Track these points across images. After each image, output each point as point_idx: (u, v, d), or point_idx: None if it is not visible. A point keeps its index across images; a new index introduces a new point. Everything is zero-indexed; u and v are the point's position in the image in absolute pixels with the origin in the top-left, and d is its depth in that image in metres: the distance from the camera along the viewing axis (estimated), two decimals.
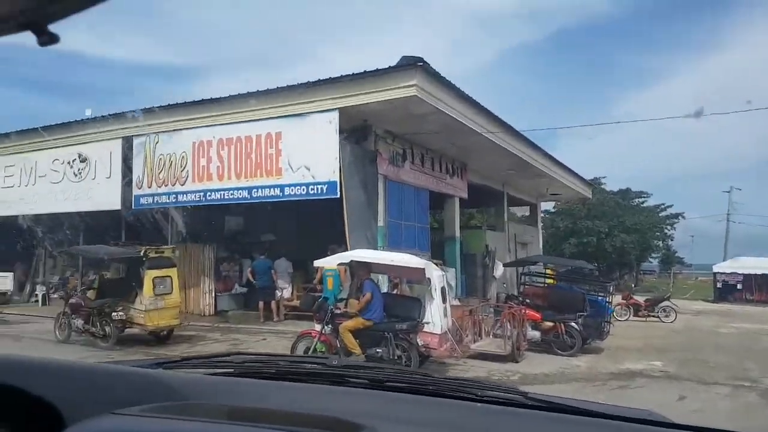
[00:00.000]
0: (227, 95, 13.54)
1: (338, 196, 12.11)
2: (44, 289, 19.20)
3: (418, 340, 7.96)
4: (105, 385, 1.09)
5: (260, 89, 13.13)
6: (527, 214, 26.03)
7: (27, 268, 20.16)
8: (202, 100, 13.99)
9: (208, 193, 14.01)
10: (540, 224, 26.48)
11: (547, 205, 31.99)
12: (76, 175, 16.03)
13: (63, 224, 17.99)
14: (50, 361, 1.16)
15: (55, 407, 0.94)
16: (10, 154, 17.07)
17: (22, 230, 17.31)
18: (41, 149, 16.61)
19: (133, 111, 14.93)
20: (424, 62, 11.62)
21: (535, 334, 11.07)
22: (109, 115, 15.32)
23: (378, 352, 7.77)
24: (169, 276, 11.53)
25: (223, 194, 13.70)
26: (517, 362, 9.91)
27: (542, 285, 13.03)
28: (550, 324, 11.16)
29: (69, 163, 16.11)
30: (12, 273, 15.34)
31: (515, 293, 13.45)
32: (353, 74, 12.06)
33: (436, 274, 8.25)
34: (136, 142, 15.07)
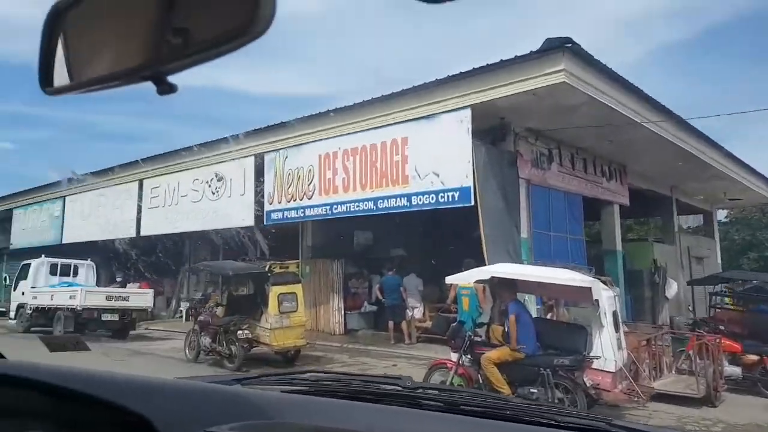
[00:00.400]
0: (352, 103, 12.80)
1: (472, 203, 10.65)
2: (188, 304, 19.97)
3: (585, 379, 6.17)
4: (189, 402, 1.11)
5: (384, 93, 12.20)
6: (697, 224, 22.33)
7: (173, 284, 21.22)
8: (328, 111, 13.41)
9: (334, 206, 13.31)
10: (717, 235, 22.48)
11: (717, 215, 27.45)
12: (213, 194, 16.32)
13: (203, 241, 18.59)
14: (137, 377, 1.20)
15: (149, 422, 0.94)
16: (156, 176, 17.96)
17: (166, 248, 18.09)
18: (183, 170, 17.23)
19: (263, 127, 14.86)
20: (573, 43, 9.83)
21: (735, 371, 8.69)
22: (243, 133, 15.38)
23: (532, 393, 6.11)
24: (294, 292, 10.83)
25: (349, 206, 12.89)
26: (714, 406, 7.81)
27: (738, 308, 10.33)
28: (753, 357, 8.73)
29: (207, 182, 16.46)
30: (152, 290, 15.86)
31: (699, 317, 10.88)
32: (487, 65, 10.62)
33: (605, 295, 6.42)
34: (267, 158, 14.94)
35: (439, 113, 11.29)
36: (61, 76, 0.71)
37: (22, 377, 1.01)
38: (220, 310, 11.43)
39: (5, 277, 20.34)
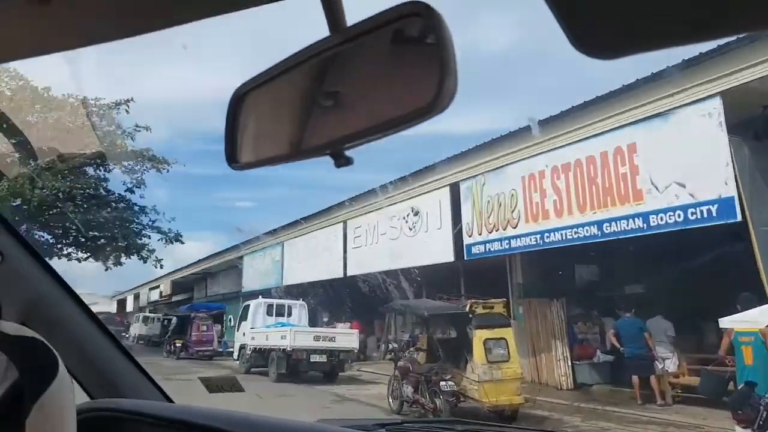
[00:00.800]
0: (557, 112, 10.97)
1: (739, 218, 7.94)
2: (396, 345, 19.40)
3: None
4: None
5: (599, 94, 10.16)
6: None
7: (383, 324, 20.96)
8: (528, 126, 11.75)
9: (546, 235, 11.43)
10: None
11: None
12: (410, 229, 15.63)
13: (407, 279, 17.96)
14: (276, 420, 1.29)
15: None
16: (358, 216, 18.01)
17: (372, 287, 17.87)
18: (381, 208, 16.97)
19: (458, 154, 13.76)
20: None
21: None
22: (437, 162, 14.49)
23: None
24: (504, 338, 9.18)
25: (565, 234, 10.90)
26: None
27: None
28: None
29: (404, 218, 15.87)
30: (357, 330, 15.50)
31: None
32: (738, 39, 7.99)
33: None
34: (463, 187, 13.76)
35: (677, 107, 8.90)
36: (245, 153, 0.75)
37: (180, 419, 1.14)
38: (420, 356, 10.29)
39: (229, 318, 22.31)
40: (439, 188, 14.47)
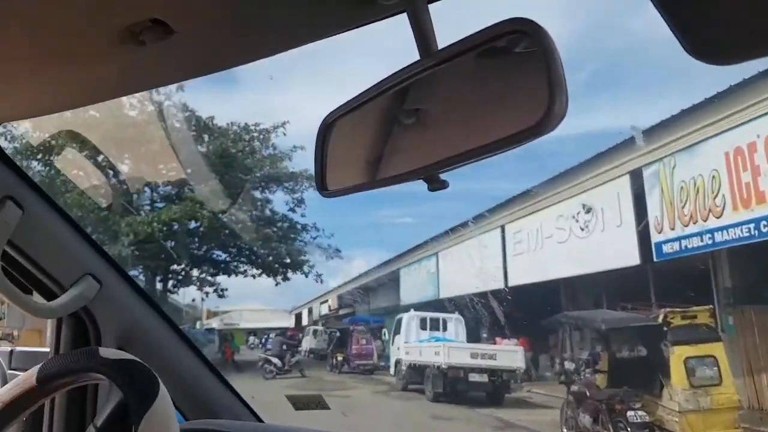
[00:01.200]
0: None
1: None
2: (573, 365, 17.06)
3: None
4: None
5: None
6: None
7: (556, 341, 18.67)
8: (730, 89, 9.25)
9: (763, 224, 8.76)
10: None
11: None
12: (582, 230, 13.49)
13: (582, 288, 15.67)
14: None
15: None
16: (517, 219, 16.23)
17: (538, 298, 15.90)
18: (543, 208, 15.04)
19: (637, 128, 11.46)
20: None
21: None
22: (612, 147, 12.29)
23: None
24: (712, 355, 6.95)
25: None
26: None
27: None
28: None
29: (573, 217, 13.78)
30: (521, 348, 13.59)
31: None
32: None
33: None
34: (646, 173, 11.43)
35: None
36: (334, 180, 0.76)
37: None
38: (600, 378, 8.32)
39: (384, 332, 21.63)
40: (616, 178, 12.24)
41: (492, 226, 17.49)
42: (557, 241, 14.36)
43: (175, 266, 23.98)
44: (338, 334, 23.05)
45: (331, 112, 0.73)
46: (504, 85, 0.60)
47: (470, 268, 18.76)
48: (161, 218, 19.43)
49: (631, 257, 11.70)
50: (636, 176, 11.67)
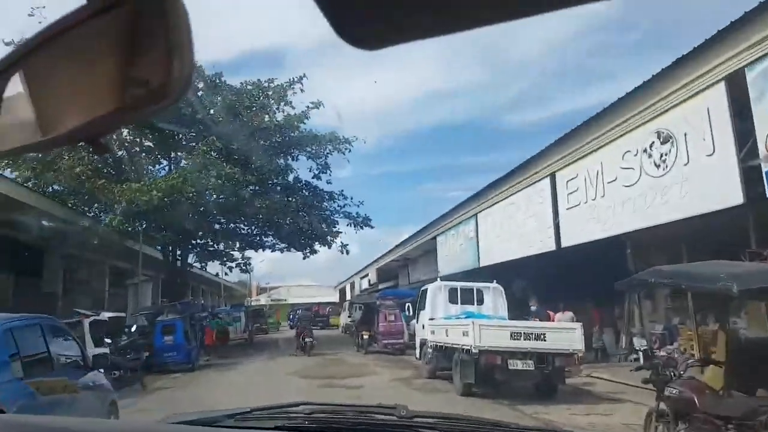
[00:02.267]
0: None
1: None
2: (644, 342, 13.76)
3: None
4: None
5: None
6: None
7: (620, 311, 15.30)
8: None
9: None
10: None
11: None
12: (658, 166, 10.11)
13: (651, 246, 12.32)
14: (117, 423, 1.71)
15: None
16: (570, 163, 12.88)
17: (600, 259, 12.69)
18: (603, 145, 11.67)
19: (738, 20, 7.96)
20: None
21: None
22: (699, 46, 8.83)
23: None
24: None
25: None
26: None
27: None
28: None
29: (645, 150, 10.42)
30: (579, 325, 10.30)
31: None
32: None
33: None
34: (751, 76, 7.99)
35: None
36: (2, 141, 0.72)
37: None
38: (710, 374, 5.16)
39: (407, 306, 18.78)
40: (705, 88, 8.81)
41: (539, 175, 14.22)
42: (623, 184, 11.02)
43: (186, 239, 21.85)
44: (363, 309, 20.42)
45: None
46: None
47: (515, 229, 15.61)
48: (161, 186, 17.09)
49: (730, 195, 8.36)
50: (735, 81, 8.25)
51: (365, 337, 17.76)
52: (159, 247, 21.66)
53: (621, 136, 11.11)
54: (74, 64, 0.62)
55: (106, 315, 13.15)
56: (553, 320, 12.59)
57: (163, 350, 14.43)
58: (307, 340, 17.58)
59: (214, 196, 19.02)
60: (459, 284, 13.02)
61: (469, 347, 9.25)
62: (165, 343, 14.49)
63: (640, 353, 13.42)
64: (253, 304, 56.12)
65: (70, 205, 18.93)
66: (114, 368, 10.69)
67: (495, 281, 12.85)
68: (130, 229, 18.34)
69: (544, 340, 9.44)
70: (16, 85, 0.66)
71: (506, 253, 15.80)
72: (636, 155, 10.66)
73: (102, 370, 6.30)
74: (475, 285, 12.87)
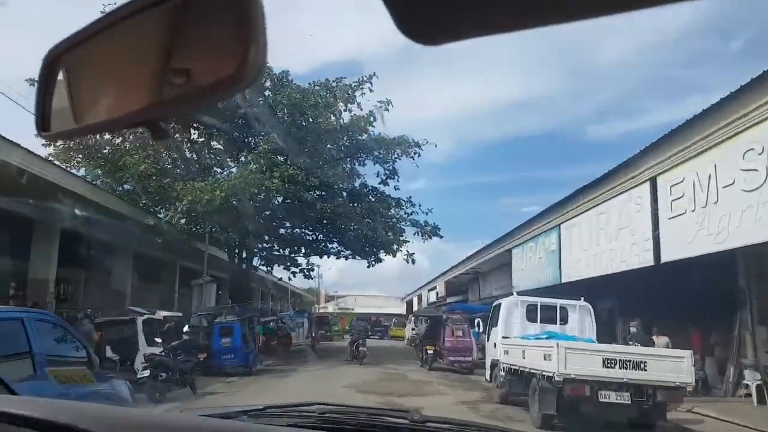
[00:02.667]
0: None
1: None
2: (758, 375, 11.75)
3: None
4: None
5: None
6: None
7: (723, 337, 13.19)
8: None
9: None
10: None
11: None
12: None
13: None
14: (134, 412, 1.43)
15: None
16: (675, 165, 11.12)
17: (709, 277, 10.85)
18: (718, 142, 9.89)
19: None
20: None
21: None
22: None
23: None
24: None
25: None
26: None
27: None
28: None
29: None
30: (689, 353, 8.53)
31: None
32: None
33: None
34: None
35: None
36: (58, 121, 0.71)
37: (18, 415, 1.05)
38: None
39: (477, 323, 17.24)
40: None
41: (636, 180, 12.49)
42: (743, 188, 9.22)
43: (250, 242, 21.53)
44: (429, 322, 19.13)
45: (58, 44, 0.68)
46: (203, 36, 0.58)
47: (604, 241, 13.88)
48: (224, 186, 16.69)
49: None
50: None
51: (429, 352, 16.49)
52: (225, 250, 21.48)
53: (741, 131, 9.33)
54: (139, 49, 0.61)
55: (162, 314, 12.73)
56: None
57: (220, 353, 13.88)
58: (360, 349, 17.71)
59: (278, 198, 18.46)
60: (539, 300, 11.48)
61: (551, 374, 7.82)
62: (222, 345, 13.93)
63: (753, 387, 11.53)
64: (320, 311, 56.24)
65: (140, 205, 19.00)
66: (164, 369, 10.20)
67: (582, 298, 11.23)
68: (194, 229, 18.15)
69: (645, 370, 7.86)
70: (80, 68, 0.66)
71: (594, 269, 14.07)
72: (761, 153, 8.86)
73: (127, 382, 5.60)
74: (558, 301, 11.30)
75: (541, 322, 10.87)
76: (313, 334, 26.23)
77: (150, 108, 0.60)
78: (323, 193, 19.86)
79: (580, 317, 10.96)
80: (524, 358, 9.14)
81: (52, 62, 0.69)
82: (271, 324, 23.12)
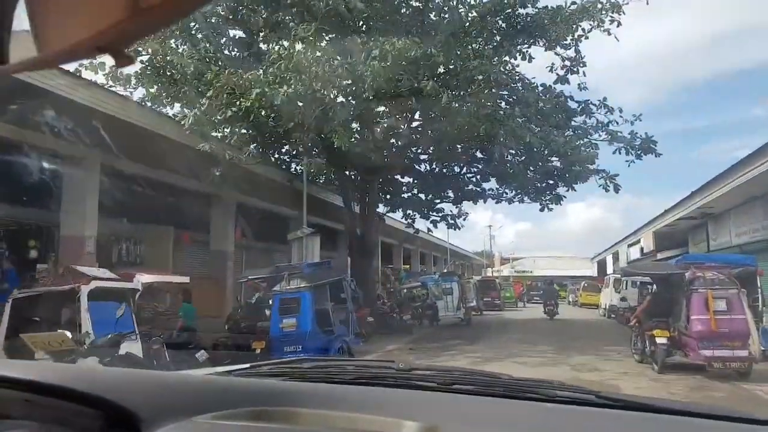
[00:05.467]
0: None
1: None
2: None
3: None
4: (178, 394, 1.15)
5: None
6: None
7: None
8: None
9: None
10: None
11: None
12: None
13: None
14: (123, 371, 1.40)
15: (133, 414, 1.00)
16: None
17: None
18: None
19: None
20: None
21: None
22: None
23: None
24: None
25: None
26: None
27: None
28: None
29: None
30: None
31: None
32: None
33: None
34: None
35: None
36: (16, 52, 0.65)
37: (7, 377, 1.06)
38: None
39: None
40: None
41: None
42: None
43: (366, 177, 15.86)
44: (653, 286, 11.44)
45: None
46: None
47: None
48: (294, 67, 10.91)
49: None
50: None
51: (660, 340, 9.07)
52: (336, 182, 16.31)
53: None
54: None
55: (143, 278, 7.30)
56: None
57: (281, 342, 8.29)
58: (548, 308, 21.78)
59: (380, 89, 11.72)
60: None
61: None
62: (283, 330, 8.35)
63: None
64: (494, 274, 49.74)
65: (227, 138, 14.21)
66: None
67: None
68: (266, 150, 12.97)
69: None
70: None
71: None
72: None
73: None
74: None
75: None
76: (472, 303, 20.10)
77: (119, 27, 0.52)
78: (461, 88, 12.98)
79: None
80: None
81: None
82: (415, 291, 17.91)
